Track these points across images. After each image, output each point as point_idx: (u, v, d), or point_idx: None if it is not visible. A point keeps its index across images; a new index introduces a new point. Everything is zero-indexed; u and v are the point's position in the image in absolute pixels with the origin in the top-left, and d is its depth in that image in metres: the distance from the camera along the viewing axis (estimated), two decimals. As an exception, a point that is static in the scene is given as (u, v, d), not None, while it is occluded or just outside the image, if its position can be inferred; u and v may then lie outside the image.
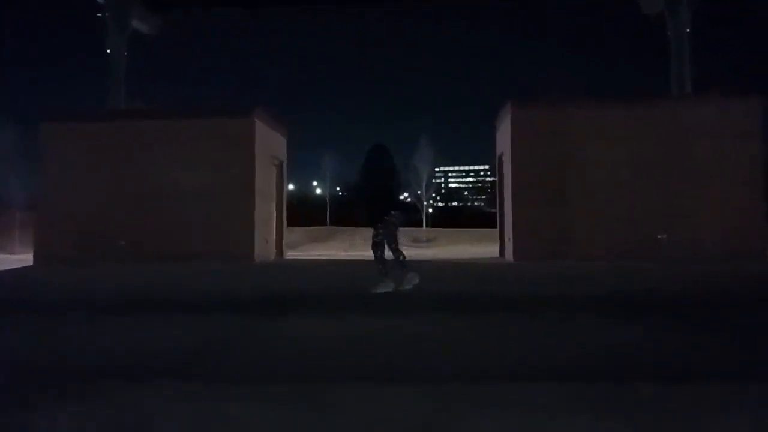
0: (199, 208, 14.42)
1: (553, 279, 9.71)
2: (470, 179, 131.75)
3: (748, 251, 12.90)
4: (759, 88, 14.45)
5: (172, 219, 14.47)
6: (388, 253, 7.56)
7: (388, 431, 2.63)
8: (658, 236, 13.46)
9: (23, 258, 17.48)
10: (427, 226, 43.69)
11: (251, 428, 2.67)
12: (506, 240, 15.48)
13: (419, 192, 45.81)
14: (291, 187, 24.11)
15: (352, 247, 32.87)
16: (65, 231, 14.59)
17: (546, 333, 4.84)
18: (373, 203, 7.63)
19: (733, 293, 7.82)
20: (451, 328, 5.16)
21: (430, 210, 47.83)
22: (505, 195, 15.60)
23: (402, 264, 7.50)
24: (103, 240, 14.45)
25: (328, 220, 57.87)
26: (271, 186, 16.43)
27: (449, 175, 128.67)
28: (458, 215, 70.75)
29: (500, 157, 16.27)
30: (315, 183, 70.31)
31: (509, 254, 14.82)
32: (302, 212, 40.72)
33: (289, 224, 18.93)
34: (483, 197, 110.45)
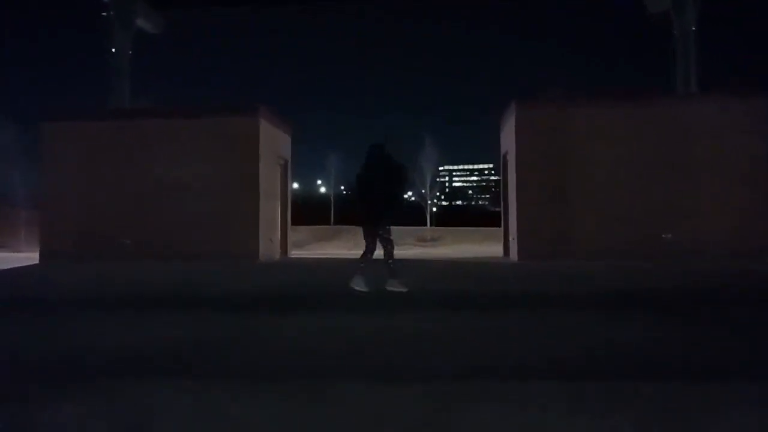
0: (203, 207, 14.45)
1: (558, 278, 9.70)
2: (474, 178, 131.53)
3: (750, 250, 12.86)
4: (762, 88, 14.39)
5: (177, 218, 14.51)
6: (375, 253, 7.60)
7: (388, 429, 2.64)
8: (663, 235, 13.42)
9: (29, 256, 17.56)
10: (431, 225, 43.67)
11: (251, 426, 2.68)
12: (510, 239, 15.46)
13: (423, 191, 45.77)
14: (296, 186, 24.15)
15: (357, 246, 32.84)
16: (70, 230, 14.65)
17: (547, 332, 4.84)
18: (383, 203, 7.48)
19: (736, 292, 7.80)
20: (452, 327, 5.17)
21: (434, 209, 47.75)
22: (509, 194, 15.58)
23: (392, 268, 7.50)
24: (108, 239, 14.50)
25: (332, 219, 57.91)
26: (275, 185, 16.45)
27: (453, 173, 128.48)
28: (462, 214, 70.69)
29: (504, 156, 16.25)
30: (319, 182, 70.38)
31: (513, 253, 14.80)
32: (307, 211, 40.78)
33: (294, 223, 18.95)
34: (487, 196, 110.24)
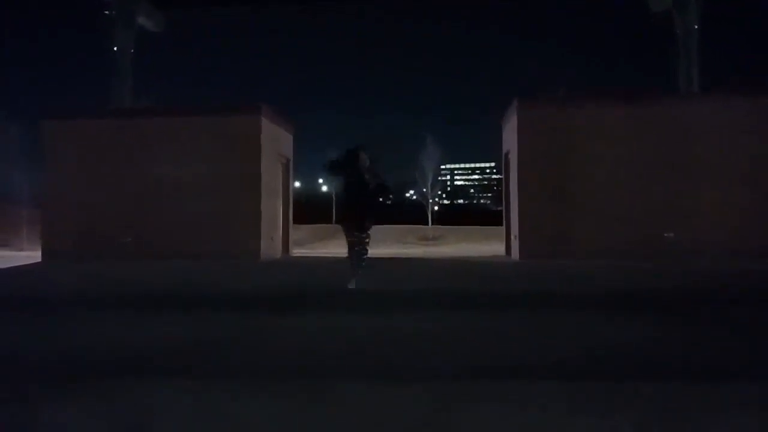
0: (205, 206, 14.45)
1: (560, 277, 9.70)
2: (476, 177, 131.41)
3: (751, 250, 12.84)
4: (765, 87, 14.35)
5: (178, 217, 14.51)
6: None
7: (388, 429, 2.64)
8: (666, 234, 13.41)
9: (31, 255, 17.59)
10: (433, 224, 43.65)
11: (251, 426, 2.68)
12: (512, 238, 15.45)
13: (425, 190, 45.74)
14: (297, 184, 24.13)
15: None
16: (71, 228, 14.66)
17: (548, 332, 4.84)
18: (371, 205, 7.91)
19: (737, 292, 7.79)
20: (452, 326, 5.16)
21: (436, 208, 47.71)
22: (511, 193, 15.56)
23: (362, 266, 7.89)
24: (109, 238, 14.51)
25: (334, 217, 57.90)
26: (277, 183, 16.45)
27: (455, 172, 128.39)
28: (464, 213, 70.63)
29: (506, 155, 16.23)
30: (321, 181, 70.35)
31: (515, 252, 14.79)
32: (309, 210, 40.77)
33: (296, 222, 18.95)
34: (489, 195, 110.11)
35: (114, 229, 14.58)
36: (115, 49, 16.54)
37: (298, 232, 22.42)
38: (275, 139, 16.07)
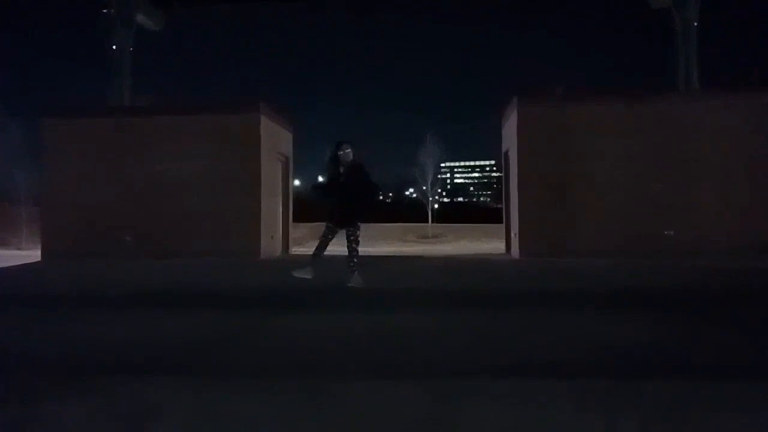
0: (204, 204, 14.45)
1: (560, 275, 9.69)
2: (476, 174, 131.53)
3: (752, 248, 12.84)
4: (765, 84, 14.34)
5: (178, 215, 14.51)
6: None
7: (388, 428, 2.63)
8: (666, 232, 13.40)
9: (31, 254, 17.58)
10: (432, 222, 43.59)
11: (252, 424, 2.67)
12: (512, 235, 15.45)
13: (425, 188, 45.66)
14: (297, 182, 24.08)
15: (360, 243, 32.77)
16: (71, 227, 14.65)
17: (548, 330, 4.83)
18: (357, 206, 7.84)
19: (738, 290, 7.78)
20: (453, 325, 5.15)
21: (436, 206, 47.64)
22: (511, 191, 15.56)
23: (354, 265, 7.87)
24: (109, 236, 14.50)
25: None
26: (277, 182, 16.44)
27: (455, 170, 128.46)
28: (464, 211, 70.58)
29: (506, 153, 16.22)
30: (321, 179, 70.27)
31: (515, 250, 14.79)
32: (308, 208, 40.65)
33: (295, 220, 18.93)
34: (489, 192, 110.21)
35: (114, 228, 14.57)
36: (114, 47, 16.53)
37: (298, 230, 22.39)
38: (275, 137, 16.05)
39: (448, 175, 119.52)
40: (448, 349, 4.11)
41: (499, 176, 46.18)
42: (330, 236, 7.97)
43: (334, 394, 3.05)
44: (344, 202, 7.76)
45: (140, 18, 17.11)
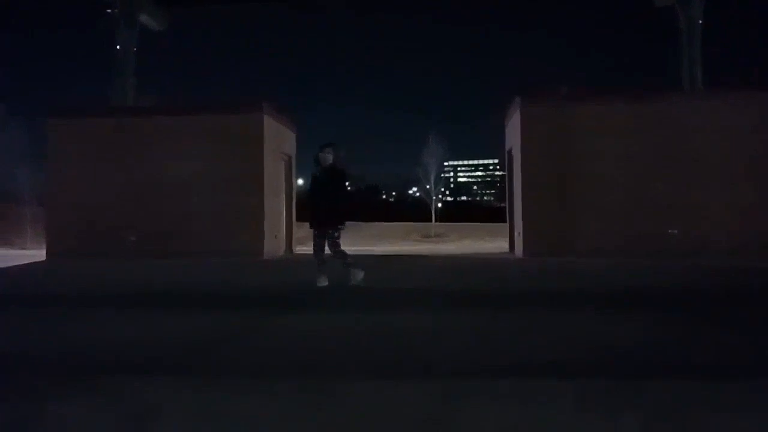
0: (207, 203, 14.47)
1: (563, 275, 9.68)
2: (479, 173, 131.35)
3: (754, 247, 12.79)
4: (766, 83, 14.27)
5: (181, 215, 14.53)
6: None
7: (389, 427, 2.63)
8: (669, 231, 13.37)
9: (36, 253, 17.63)
10: (436, 221, 43.57)
11: (252, 424, 2.68)
12: (516, 235, 15.42)
13: (428, 186, 45.64)
14: (300, 182, 24.04)
15: (359, 242, 32.86)
16: (75, 227, 14.68)
17: (550, 329, 4.82)
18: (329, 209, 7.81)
19: (739, 290, 7.76)
20: (454, 324, 5.15)
21: (439, 205, 47.64)
22: (514, 190, 15.53)
23: (349, 264, 7.93)
24: (113, 236, 14.53)
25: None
26: (280, 181, 16.45)
27: (458, 169, 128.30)
28: (467, 210, 70.51)
29: (509, 152, 16.19)
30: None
31: (519, 249, 14.77)
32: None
33: (299, 219, 18.92)
34: (492, 191, 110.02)
35: (118, 228, 14.60)
36: (118, 47, 16.56)
37: (300, 229, 22.41)
38: (278, 137, 16.06)
39: (452, 174, 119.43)
40: (448, 349, 4.11)
41: (502, 175, 46.17)
42: (318, 239, 7.96)
43: (334, 394, 3.05)
44: (318, 206, 7.80)
45: (144, 18, 17.13)
